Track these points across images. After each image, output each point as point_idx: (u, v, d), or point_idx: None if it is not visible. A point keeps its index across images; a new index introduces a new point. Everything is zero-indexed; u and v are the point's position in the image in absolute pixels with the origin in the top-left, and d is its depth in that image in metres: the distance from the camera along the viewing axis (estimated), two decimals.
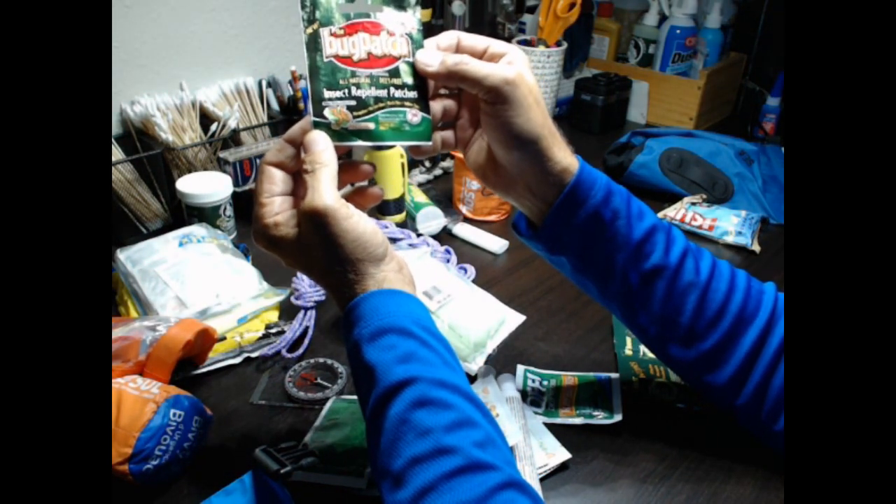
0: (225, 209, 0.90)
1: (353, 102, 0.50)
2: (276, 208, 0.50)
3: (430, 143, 0.53)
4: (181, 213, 0.91)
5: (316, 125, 0.49)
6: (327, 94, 0.50)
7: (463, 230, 0.97)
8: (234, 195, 0.92)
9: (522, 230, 0.57)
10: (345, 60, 0.50)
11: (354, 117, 0.50)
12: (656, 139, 1.10)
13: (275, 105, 1.09)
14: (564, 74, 1.31)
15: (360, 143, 0.51)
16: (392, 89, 0.51)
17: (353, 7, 0.51)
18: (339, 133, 0.50)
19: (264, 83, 1.08)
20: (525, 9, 1.36)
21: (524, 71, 0.49)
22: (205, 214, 0.88)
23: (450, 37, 0.52)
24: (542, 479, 0.58)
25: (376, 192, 0.55)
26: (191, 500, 0.56)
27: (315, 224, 0.47)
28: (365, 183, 0.55)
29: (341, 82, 0.50)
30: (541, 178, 0.52)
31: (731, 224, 0.97)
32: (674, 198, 1.05)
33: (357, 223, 0.47)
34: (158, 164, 0.94)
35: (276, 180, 0.50)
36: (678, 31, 1.30)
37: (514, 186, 0.54)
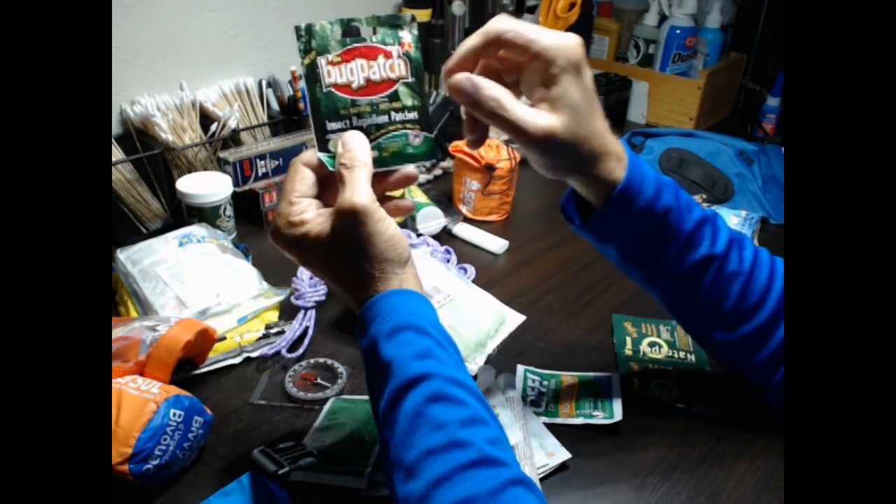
0: (225, 209, 0.90)
1: None
2: (303, 208, 0.50)
3: (434, 161, 0.52)
4: (181, 213, 0.91)
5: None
6: (329, 125, 0.50)
7: (463, 230, 0.97)
8: (234, 195, 0.92)
9: (571, 217, 0.56)
10: (343, 89, 0.50)
11: None
12: (656, 139, 1.10)
13: (275, 105, 1.09)
14: None
15: None
16: (393, 113, 0.51)
17: (349, 32, 0.50)
18: None
19: (264, 83, 1.08)
20: (525, 9, 1.36)
21: (577, 101, 0.48)
22: (205, 214, 0.88)
23: (500, 24, 0.47)
24: (542, 479, 0.58)
25: (407, 204, 0.55)
26: (190, 500, 0.56)
27: (350, 222, 0.47)
28: (398, 194, 0.55)
29: (342, 112, 0.50)
30: (588, 185, 0.52)
31: (731, 224, 0.97)
32: None
33: (389, 225, 0.49)
34: (158, 164, 0.94)
35: (308, 182, 0.51)
36: (678, 31, 1.30)
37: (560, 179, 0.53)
